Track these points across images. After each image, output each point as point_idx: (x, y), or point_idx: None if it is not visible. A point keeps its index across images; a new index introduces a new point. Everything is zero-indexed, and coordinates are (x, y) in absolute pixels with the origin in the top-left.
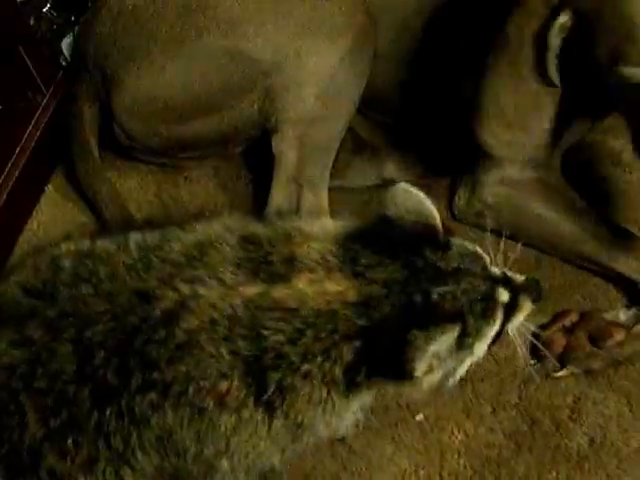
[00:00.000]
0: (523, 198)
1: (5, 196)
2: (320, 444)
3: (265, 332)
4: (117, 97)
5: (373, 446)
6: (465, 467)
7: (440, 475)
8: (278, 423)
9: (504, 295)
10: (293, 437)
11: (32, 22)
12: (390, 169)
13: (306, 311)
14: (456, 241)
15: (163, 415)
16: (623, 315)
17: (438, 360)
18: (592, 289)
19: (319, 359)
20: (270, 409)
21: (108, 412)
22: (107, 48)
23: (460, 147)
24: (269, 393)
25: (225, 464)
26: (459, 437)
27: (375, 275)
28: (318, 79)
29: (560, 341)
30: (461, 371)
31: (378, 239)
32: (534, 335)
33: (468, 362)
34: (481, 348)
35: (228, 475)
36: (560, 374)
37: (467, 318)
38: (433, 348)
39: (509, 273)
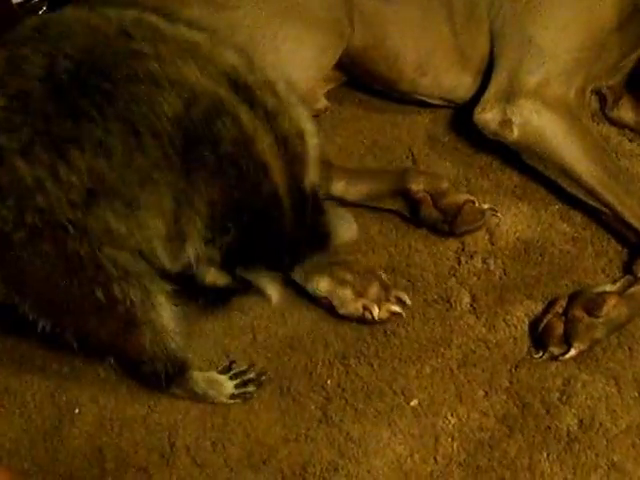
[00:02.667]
0: (555, 119)
1: None
2: (315, 433)
3: None
4: None
5: (369, 432)
6: (459, 451)
7: (435, 459)
8: None
9: None
10: None
11: None
12: (339, 187)
13: None
14: None
15: (102, 122)
16: (610, 287)
17: None
18: (581, 274)
19: None
20: None
21: (55, 102)
22: None
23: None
24: None
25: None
26: (452, 421)
27: None
28: (284, 66)
29: (558, 324)
30: None
31: None
32: (532, 326)
33: None
34: None
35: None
36: (569, 355)
37: None
38: None
39: None
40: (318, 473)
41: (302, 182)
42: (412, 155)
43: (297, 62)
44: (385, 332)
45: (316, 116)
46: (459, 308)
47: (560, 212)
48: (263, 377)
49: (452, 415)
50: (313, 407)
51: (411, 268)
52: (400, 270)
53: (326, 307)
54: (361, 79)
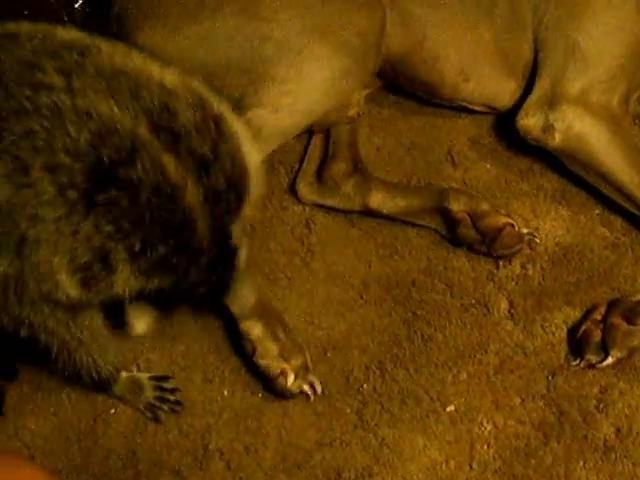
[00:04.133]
0: (598, 126)
1: None
2: (350, 438)
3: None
4: None
5: (404, 438)
6: (494, 458)
7: (470, 465)
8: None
9: None
10: None
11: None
12: (376, 200)
13: None
14: None
15: None
16: None
17: None
18: (620, 281)
19: None
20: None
21: None
22: (128, 3)
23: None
24: None
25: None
26: (488, 428)
27: None
28: (302, 83)
29: (596, 332)
30: None
31: None
32: (570, 333)
33: None
34: None
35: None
36: (607, 362)
37: None
38: None
39: None
40: (353, 478)
41: (229, 238)
42: (451, 157)
43: (316, 82)
44: (422, 336)
45: (351, 121)
46: (496, 313)
47: (600, 217)
48: (177, 392)
49: (488, 422)
50: (349, 411)
51: (448, 272)
52: (437, 273)
53: (246, 350)
54: (402, 85)
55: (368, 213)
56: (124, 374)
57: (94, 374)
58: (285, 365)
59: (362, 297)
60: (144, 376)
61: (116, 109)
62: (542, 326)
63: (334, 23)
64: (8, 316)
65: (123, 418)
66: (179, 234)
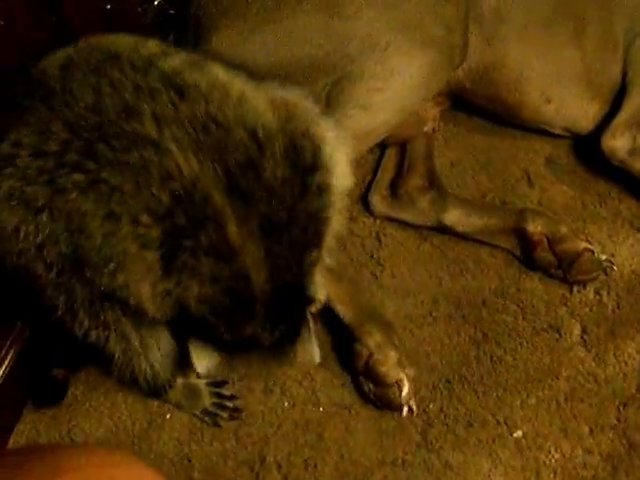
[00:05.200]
0: None
1: None
2: (413, 458)
3: None
4: (203, 47)
5: (469, 461)
6: None
7: None
8: None
9: None
10: None
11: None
12: (452, 217)
13: None
14: None
15: (79, 200)
16: None
17: None
18: None
19: None
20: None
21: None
22: (207, 1)
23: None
24: None
25: None
26: (556, 456)
27: None
28: (390, 79)
29: None
30: None
31: None
32: None
33: None
34: None
35: None
36: None
37: None
38: None
39: None
40: None
41: (295, 292)
42: (528, 176)
43: (405, 78)
44: (491, 358)
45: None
46: (569, 339)
47: None
48: (237, 402)
49: (556, 450)
50: (413, 430)
51: (521, 293)
52: (509, 294)
53: (359, 355)
54: (479, 104)
55: (441, 229)
56: (180, 380)
57: (150, 380)
58: (402, 375)
59: (431, 314)
60: (201, 382)
61: (198, 168)
62: (615, 354)
63: (419, 18)
64: (77, 321)
65: (178, 424)
66: (236, 292)
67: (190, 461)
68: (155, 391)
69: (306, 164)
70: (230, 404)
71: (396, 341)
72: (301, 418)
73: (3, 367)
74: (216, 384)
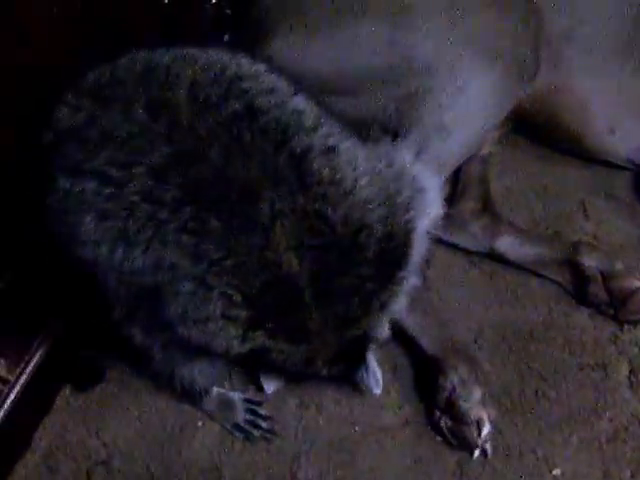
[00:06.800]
0: None
1: None
2: None
3: None
4: (261, 50)
5: None
6: None
7: None
8: None
9: None
10: None
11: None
12: (504, 244)
13: None
14: None
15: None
16: None
17: None
18: None
19: None
20: None
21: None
22: (271, 5)
23: None
24: None
25: None
26: None
27: None
28: (461, 95)
29: None
30: None
31: None
32: None
33: None
34: None
35: None
36: None
37: None
38: None
39: None
40: None
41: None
42: (584, 208)
43: (475, 95)
44: (535, 392)
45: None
46: (615, 378)
47: None
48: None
49: None
50: (450, 459)
51: (569, 328)
52: (557, 327)
53: (443, 395)
54: (540, 129)
55: (492, 256)
56: (216, 390)
57: (187, 385)
58: (484, 414)
59: (476, 341)
60: (238, 396)
61: (297, 269)
62: None
63: (487, 31)
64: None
65: (210, 432)
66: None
67: (219, 470)
68: (190, 397)
69: (395, 261)
70: (264, 424)
71: (481, 377)
72: (336, 436)
73: (32, 363)
74: (252, 402)
